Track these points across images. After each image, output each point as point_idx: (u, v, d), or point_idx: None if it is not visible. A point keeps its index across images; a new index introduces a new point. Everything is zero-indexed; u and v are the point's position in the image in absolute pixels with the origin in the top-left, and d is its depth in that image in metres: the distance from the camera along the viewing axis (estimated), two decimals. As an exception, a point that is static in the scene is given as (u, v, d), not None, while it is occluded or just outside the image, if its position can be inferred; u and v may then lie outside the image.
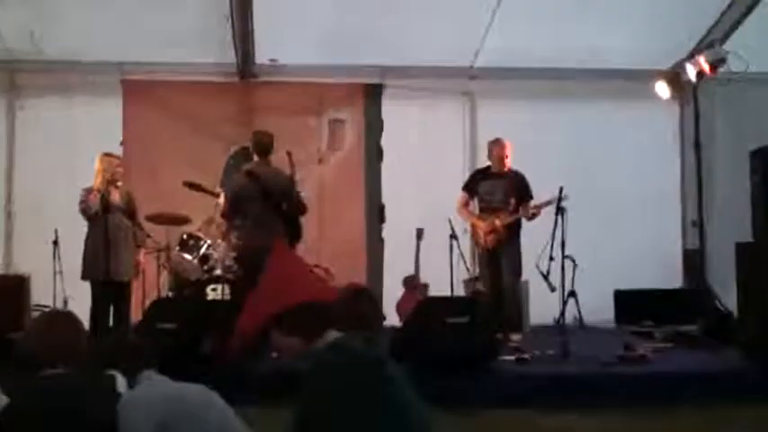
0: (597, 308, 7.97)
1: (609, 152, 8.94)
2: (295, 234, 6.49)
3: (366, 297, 3.87)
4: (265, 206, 6.31)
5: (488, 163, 7.38)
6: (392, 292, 8.17)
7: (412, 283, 8.21)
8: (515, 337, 6.90)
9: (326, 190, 8.81)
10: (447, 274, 7.29)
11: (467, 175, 7.90)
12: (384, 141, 8.90)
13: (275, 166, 6.58)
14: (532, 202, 7.05)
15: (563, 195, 6.44)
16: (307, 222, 6.88)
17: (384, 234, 8.81)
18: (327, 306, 3.32)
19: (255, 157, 6.54)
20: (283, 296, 4.67)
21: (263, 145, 6.50)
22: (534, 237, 6.80)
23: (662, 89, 8.51)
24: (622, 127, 8.97)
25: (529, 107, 8.85)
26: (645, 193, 8.99)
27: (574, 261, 6.75)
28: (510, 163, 7.18)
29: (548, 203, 6.70)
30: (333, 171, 8.92)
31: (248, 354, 5.46)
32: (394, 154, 8.86)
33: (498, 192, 7.17)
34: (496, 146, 7.21)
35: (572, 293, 7.08)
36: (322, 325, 3.12)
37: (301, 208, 6.52)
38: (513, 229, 7.11)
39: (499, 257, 7.11)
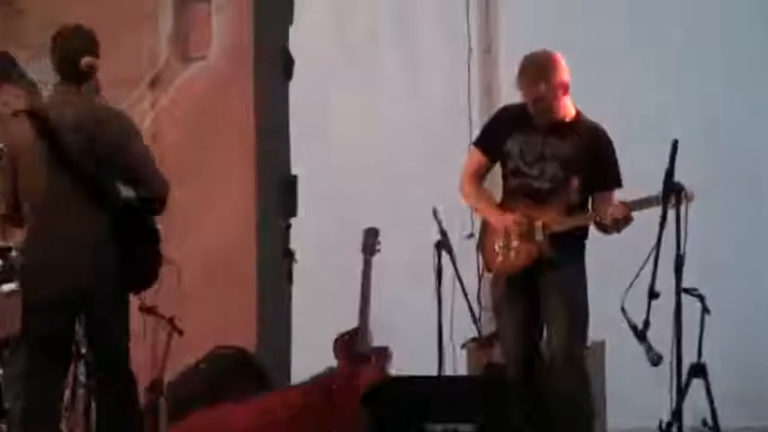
0: (748, 399, 8.06)
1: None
2: (145, 239, 6.65)
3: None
4: (73, 182, 6.34)
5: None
6: (311, 364, 8.19)
7: (354, 346, 8.14)
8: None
9: (174, 145, 8.88)
10: (431, 328, 7.26)
11: (474, 114, 7.94)
12: (294, 41, 8.93)
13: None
14: (618, 195, 6.98)
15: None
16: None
17: (295, 242, 8.86)
18: None
19: (59, 79, 6.61)
20: None
21: (75, 53, 6.52)
22: (615, 250, 6.98)
23: None
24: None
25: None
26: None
27: (703, 301, 6.73)
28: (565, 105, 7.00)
29: (657, 201, 6.59)
30: (187, 104, 9.09)
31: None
32: (316, 67, 8.95)
33: (553, 163, 7.05)
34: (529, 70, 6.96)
35: (698, 368, 6.91)
36: None
37: (158, 185, 6.64)
38: (571, 240, 7.05)
39: (537, 294, 7.05)
